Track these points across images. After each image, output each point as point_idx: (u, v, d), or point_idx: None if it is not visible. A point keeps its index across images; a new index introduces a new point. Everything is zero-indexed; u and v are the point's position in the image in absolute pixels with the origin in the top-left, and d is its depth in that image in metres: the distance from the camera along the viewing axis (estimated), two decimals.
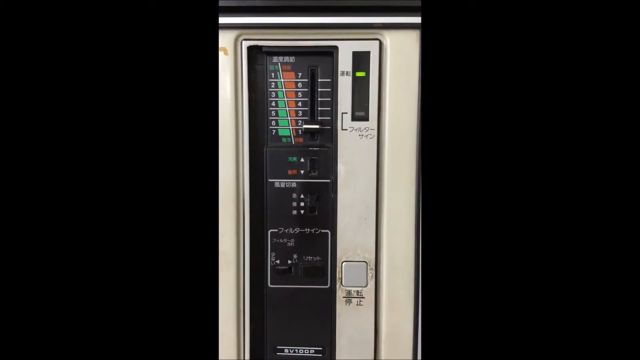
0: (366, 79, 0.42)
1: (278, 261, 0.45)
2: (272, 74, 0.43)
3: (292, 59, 0.43)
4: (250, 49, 0.42)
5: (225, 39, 0.41)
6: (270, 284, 0.45)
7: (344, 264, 0.44)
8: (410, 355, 0.44)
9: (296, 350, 0.46)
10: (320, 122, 0.43)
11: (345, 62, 0.42)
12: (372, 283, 0.44)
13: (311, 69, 0.43)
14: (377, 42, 0.41)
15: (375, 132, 0.42)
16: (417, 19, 0.40)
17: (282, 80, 0.43)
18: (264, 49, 0.42)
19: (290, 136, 0.44)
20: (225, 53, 0.42)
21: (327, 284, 0.45)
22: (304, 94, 0.43)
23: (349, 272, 0.44)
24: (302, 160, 0.44)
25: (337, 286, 0.45)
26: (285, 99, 0.43)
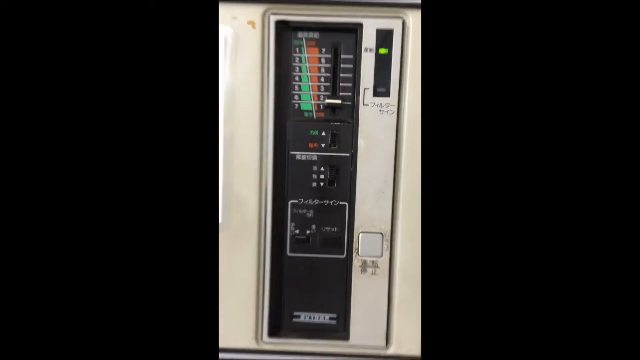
0: (389, 56, 0.43)
1: (297, 231, 0.46)
2: (297, 49, 0.44)
3: (316, 34, 0.44)
4: (277, 23, 0.43)
5: (253, 13, 0.42)
6: (289, 253, 0.47)
7: (360, 234, 0.46)
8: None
9: (312, 316, 0.48)
10: (342, 98, 0.45)
11: (369, 39, 0.43)
12: (387, 254, 0.46)
13: (334, 46, 0.44)
14: (401, 20, 0.43)
15: (395, 108, 0.44)
16: None
17: (306, 55, 0.44)
18: (290, 24, 0.43)
19: (312, 111, 0.45)
20: (253, 27, 0.43)
21: (343, 254, 0.47)
22: (327, 70, 0.44)
23: (365, 243, 0.46)
24: (323, 134, 0.45)
25: (354, 256, 0.46)
26: (309, 74, 0.45)
